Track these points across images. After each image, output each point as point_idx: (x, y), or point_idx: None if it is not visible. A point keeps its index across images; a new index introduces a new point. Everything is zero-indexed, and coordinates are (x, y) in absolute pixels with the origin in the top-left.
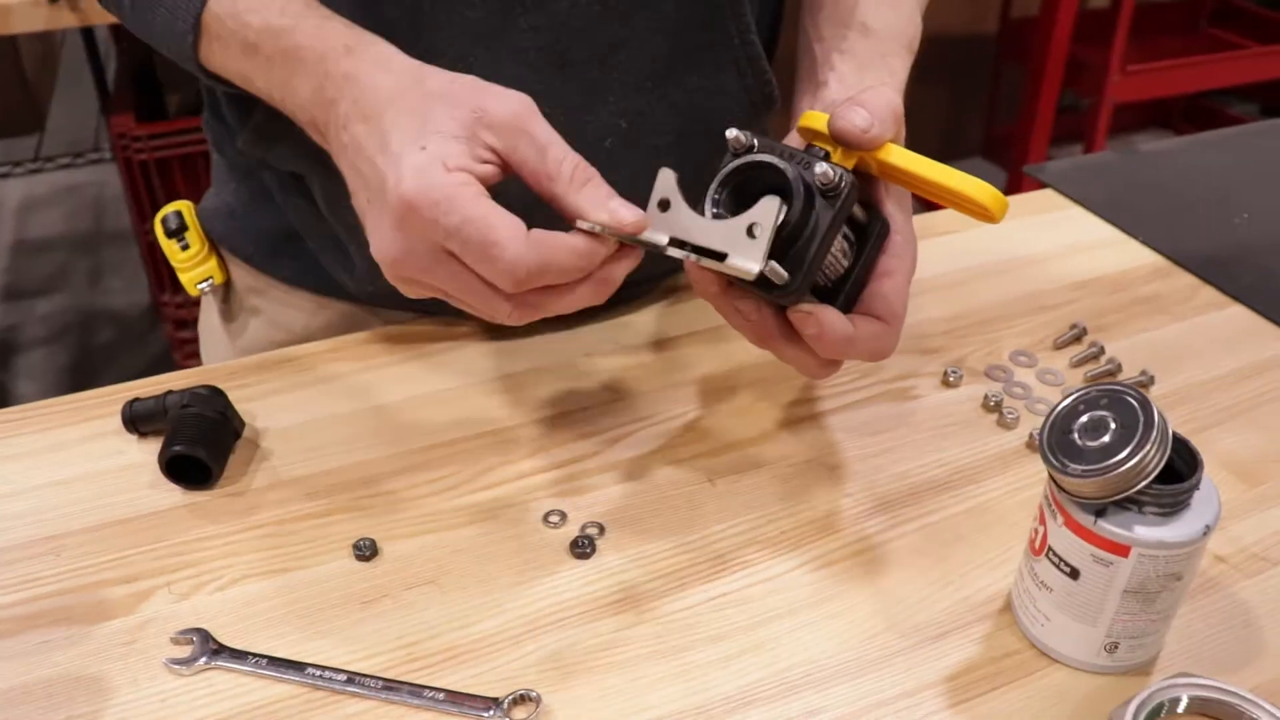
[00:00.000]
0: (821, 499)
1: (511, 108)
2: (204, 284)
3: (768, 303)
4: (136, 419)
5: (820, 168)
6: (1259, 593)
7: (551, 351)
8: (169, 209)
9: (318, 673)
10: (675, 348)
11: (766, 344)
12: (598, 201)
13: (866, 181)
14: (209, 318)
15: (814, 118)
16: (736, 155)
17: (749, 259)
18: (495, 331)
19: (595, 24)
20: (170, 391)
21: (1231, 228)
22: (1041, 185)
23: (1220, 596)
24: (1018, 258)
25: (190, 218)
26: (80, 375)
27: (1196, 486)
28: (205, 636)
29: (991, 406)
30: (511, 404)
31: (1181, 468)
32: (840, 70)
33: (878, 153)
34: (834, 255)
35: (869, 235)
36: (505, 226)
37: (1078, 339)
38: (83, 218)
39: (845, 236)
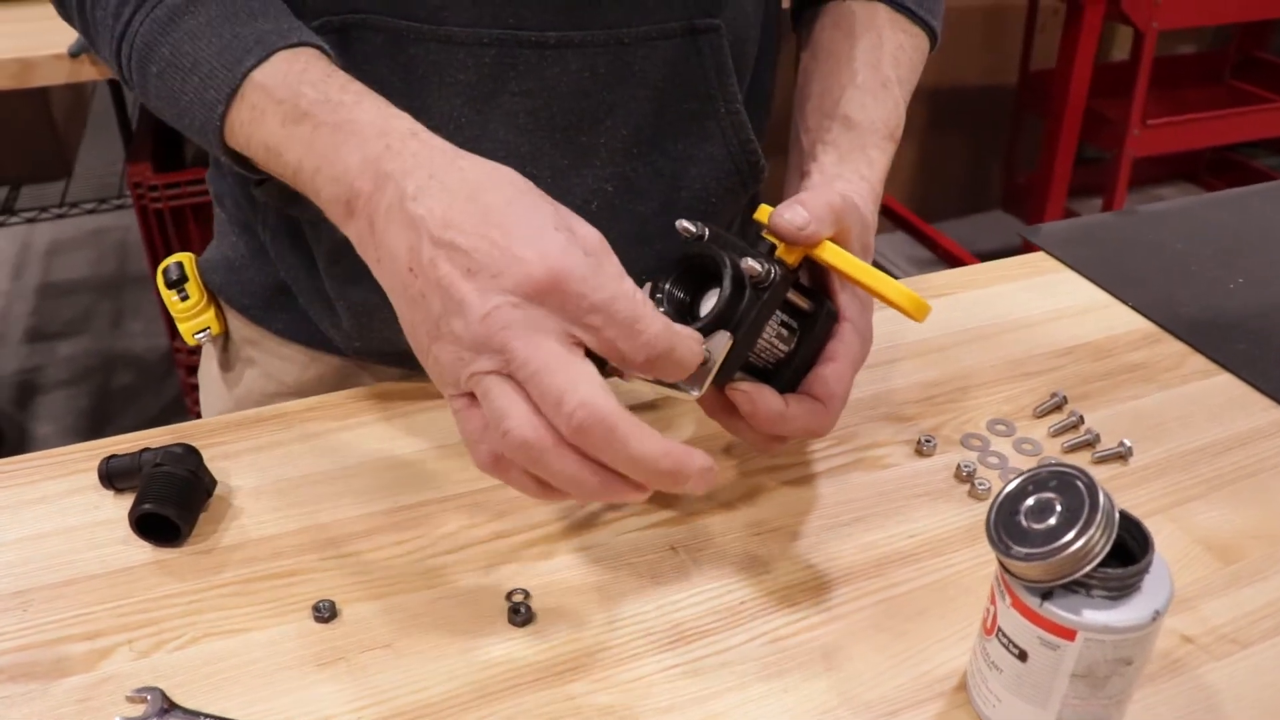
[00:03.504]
0: (784, 569)
1: (596, 233)
2: (201, 334)
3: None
4: (112, 475)
5: (747, 262)
6: (1227, 676)
7: None
8: (171, 260)
9: None
10: (640, 416)
11: (716, 418)
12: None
13: (819, 272)
14: (208, 366)
15: (764, 211)
16: (687, 244)
17: (694, 387)
18: None
19: (584, 90)
20: (146, 449)
21: (1227, 293)
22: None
23: (1186, 679)
24: (1003, 322)
25: (191, 269)
26: (98, 418)
27: (1147, 570)
28: (160, 695)
29: (964, 477)
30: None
31: (1134, 548)
32: (822, 161)
33: (816, 250)
34: (770, 341)
35: (814, 323)
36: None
37: (1058, 408)
38: (107, 262)
39: (785, 324)
